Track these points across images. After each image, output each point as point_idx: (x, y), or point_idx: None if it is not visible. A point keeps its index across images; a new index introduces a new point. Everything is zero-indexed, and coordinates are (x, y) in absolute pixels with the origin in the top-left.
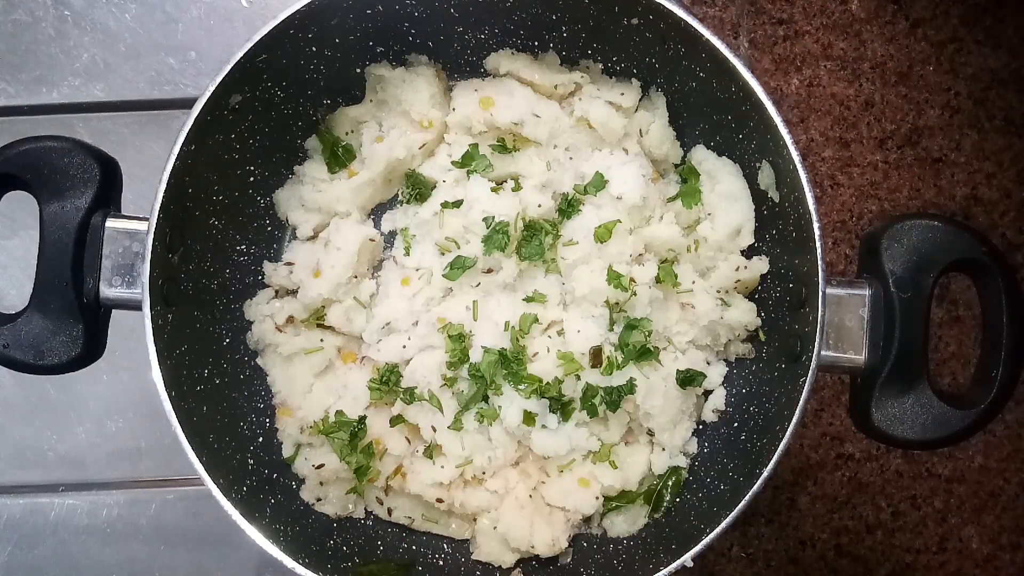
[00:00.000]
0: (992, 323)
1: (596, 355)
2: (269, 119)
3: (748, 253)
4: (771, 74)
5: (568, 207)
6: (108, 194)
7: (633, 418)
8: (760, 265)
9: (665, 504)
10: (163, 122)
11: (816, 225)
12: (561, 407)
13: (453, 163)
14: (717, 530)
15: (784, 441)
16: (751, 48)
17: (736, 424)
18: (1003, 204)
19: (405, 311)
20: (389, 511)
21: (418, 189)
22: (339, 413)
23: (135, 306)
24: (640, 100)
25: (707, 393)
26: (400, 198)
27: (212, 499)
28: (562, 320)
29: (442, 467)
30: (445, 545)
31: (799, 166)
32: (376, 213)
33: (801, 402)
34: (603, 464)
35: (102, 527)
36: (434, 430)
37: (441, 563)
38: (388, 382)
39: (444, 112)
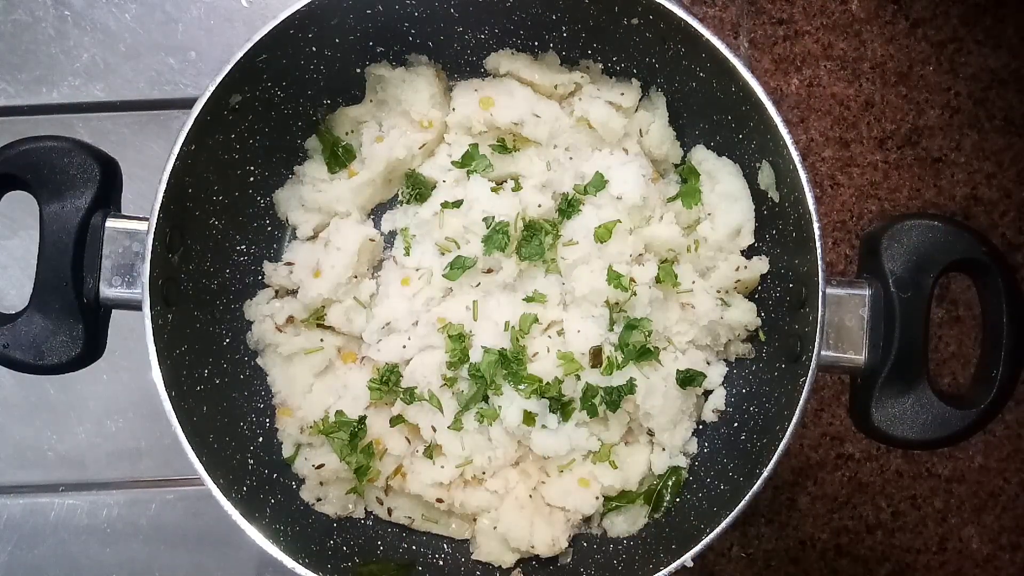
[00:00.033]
0: (992, 323)
1: (596, 355)
2: (269, 119)
3: (748, 253)
4: (771, 74)
5: (568, 207)
6: (108, 194)
7: (633, 418)
8: (760, 265)
9: (665, 504)
10: (163, 122)
11: (816, 225)
12: (561, 407)
13: (453, 163)
14: (717, 530)
15: (784, 441)
16: (751, 48)
17: (736, 424)
18: (1003, 204)
19: (405, 311)
20: (389, 511)
21: (418, 189)
22: (339, 413)
23: (135, 306)
24: (640, 100)
25: (707, 393)
26: (400, 198)
27: (212, 499)
28: (562, 320)
29: (442, 467)
30: (445, 545)
31: (799, 166)
32: (376, 213)
33: (801, 402)
34: (603, 464)
35: (102, 527)
36: (434, 430)
37: (441, 563)
38: (388, 382)
39: (444, 112)
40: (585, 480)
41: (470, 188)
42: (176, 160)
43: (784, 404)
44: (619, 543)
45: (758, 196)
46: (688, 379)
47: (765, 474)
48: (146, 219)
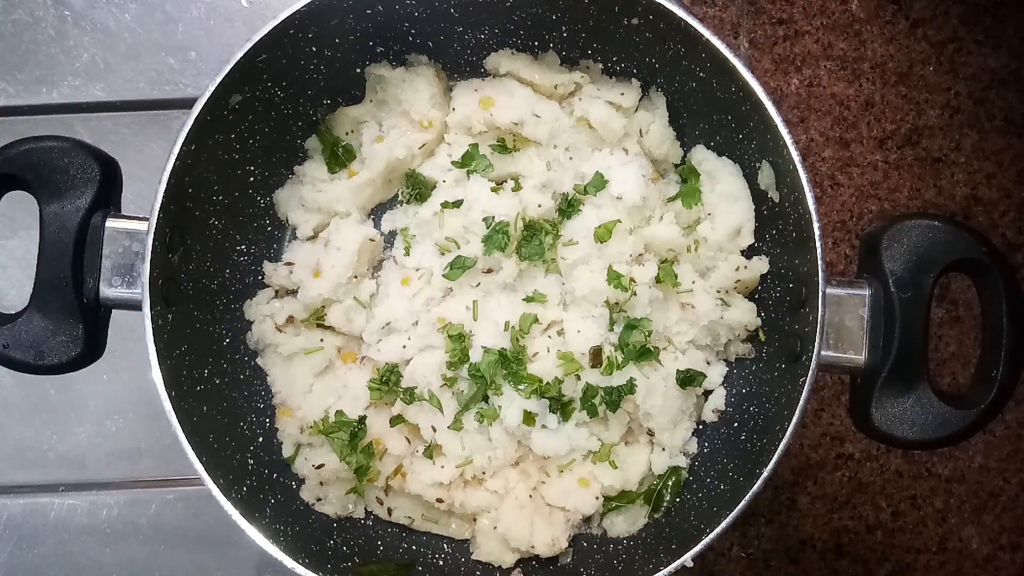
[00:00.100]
0: (992, 323)
1: (596, 355)
2: (269, 119)
3: (748, 253)
4: (771, 74)
5: (568, 207)
6: (108, 194)
7: (633, 418)
8: (760, 265)
9: (665, 504)
10: (163, 122)
11: (816, 225)
12: (561, 407)
13: (453, 163)
14: (717, 530)
15: (784, 441)
16: (751, 48)
17: (736, 424)
18: (1003, 204)
19: (405, 311)
20: (389, 511)
21: (418, 189)
22: (339, 413)
23: (135, 306)
24: (640, 100)
25: (707, 393)
26: (400, 198)
27: (212, 499)
28: (562, 320)
29: (442, 467)
30: (445, 545)
31: (799, 166)
32: (376, 213)
33: (801, 402)
34: (603, 464)
35: (102, 527)
36: (434, 430)
37: (441, 563)
38: (388, 382)
39: (444, 112)
40: (585, 480)
41: (470, 188)
42: (176, 160)
43: (784, 404)
44: (619, 543)
45: (758, 196)
46: (688, 379)
47: (765, 474)
48: (146, 219)
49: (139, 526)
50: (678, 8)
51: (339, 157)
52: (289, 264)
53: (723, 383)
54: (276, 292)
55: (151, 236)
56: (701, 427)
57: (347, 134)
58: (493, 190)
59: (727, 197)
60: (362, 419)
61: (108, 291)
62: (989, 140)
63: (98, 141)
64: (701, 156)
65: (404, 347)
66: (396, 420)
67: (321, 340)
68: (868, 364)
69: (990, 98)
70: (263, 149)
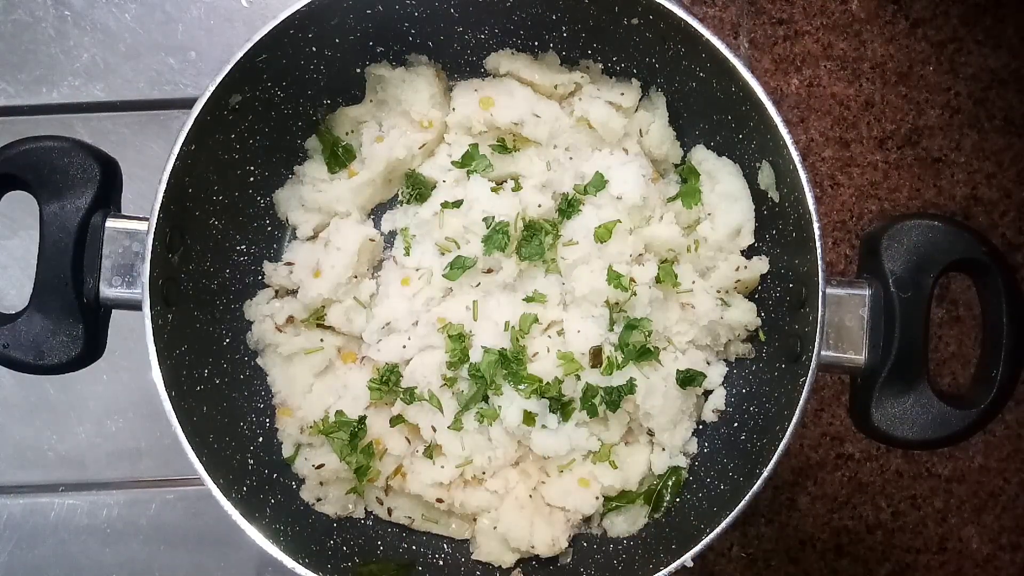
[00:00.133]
0: (992, 323)
1: (596, 355)
2: (269, 119)
3: (748, 253)
4: (771, 74)
5: (568, 207)
6: (108, 194)
7: (633, 418)
8: (760, 265)
9: (665, 504)
10: (163, 122)
11: (816, 225)
12: (561, 407)
13: (453, 163)
14: (717, 530)
15: (784, 441)
16: (751, 48)
17: (736, 424)
18: (1003, 204)
19: (405, 311)
20: (389, 511)
21: (418, 189)
22: (339, 413)
23: (135, 306)
24: (640, 100)
25: (707, 393)
26: (400, 198)
27: (212, 499)
28: (562, 320)
29: (442, 467)
30: (445, 545)
31: (799, 166)
32: (376, 213)
33: (801, 402)
34: (603, 464)
35: (102, 527)
36: (434, 430)
37: (441, 563)
38: (388, 382)
39: (444, 112)
40: (585, 480)
41: (470, 188)
42: (176, 160)
43: (784, 404)
44: (619, 543)
45: (758, 196)
46: (688, 379)
47: (765, 474)
48: (146, 219)
49: (139, 526)
50: (678, 8)
51: (339, 157)
52: (289, 264)
53: (723, 383)
54: (276, 292)
55: (151, 236)
56: (701, 427)
57: (347, 134)
58: (493, 190)
59: (727, 197)
60: (362, 419)
61: (108, 291)
62: (989, 140)
63: (98, 141)
64: (701, 156)
65: (404, 347)
66: (396, 420)
67: (321, 340)
68: (868, 364)
69: (990, 98)
70: (263, 149)
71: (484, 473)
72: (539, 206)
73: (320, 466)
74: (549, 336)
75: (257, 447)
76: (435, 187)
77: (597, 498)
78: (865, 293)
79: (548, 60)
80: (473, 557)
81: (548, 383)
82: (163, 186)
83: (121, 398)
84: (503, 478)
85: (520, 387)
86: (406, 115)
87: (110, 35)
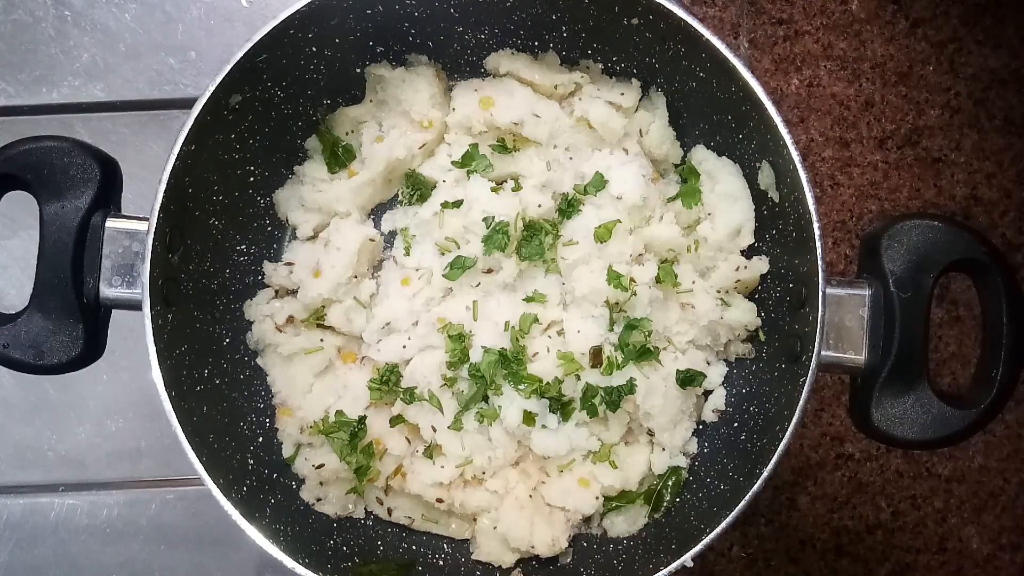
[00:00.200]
0: (992, 323)
1: (596, 355)
2: (269, 119)
3: (748, 253)
4: (771, 74)
5: (568, 207)
6: (108, 194)
7: (633, 418)
8: (760, 265)
9: (665, 504)
10: (163, 122)
11: (816, 225)
12: (561, 407)
13: (453, 163)
14: (717, 530)
15: (784, 441)
16: (751, 48)
17: (736, 424)
18: (1003, 204)
19: (405, 311)
20: (389, 511)
21: (418, 189)
22: (339, 413)
23: (135, 306)
24: (640, 100)
25: (707, 393)
26: (400, 198)
27: (212, 499)
28: (562, 320)
29: (442, 467)
30: (445, 545)
31: (799, 166)
32: (376, 213)
33: (801, 402)
34: (603, 464)
35: (102, 527)
36: (434, 430)
37: (441, 563)
38: (388, 382)
39: (444, 112)
40: (585, 480)
41: (470, 188)
42: (176, 160)
43: (784, 404)
44: (619, 543)
45: (758, 196)
46: (688, 379)
47: (765, 474)
48: (146, 219)
49: (139, 526)
50: (678, 8)
51: (339, 157)
52: (289, 264)
53: (723, 383)
54: (276, 292)
55: (151, 236)
56: (701, 427)
57: (347, 134)
58: (493, 190)
59: (727, 197)
60: (362, 419)
61: (108, 291)
62: (989, 140)
63: (98, 141)
64: (701, 156)
65: (404, 347)
66: (396, 420)
67: (321, 340)
68: (868, 364)
69: (990, 98)
70: (263, 149)
71: (484, 473)
72: (539, 206)
73: (320, 466)
74: (549, 336)
75: (257, 447)
76: (435, 187)
77: (597, 498)
78: (865, 293)
79: (548, 60)
80: (473, 557)
81: (548, 383)
82: (163, 186)
83: (121, 398)
84: (503, 478)
85: (520, 387)
86: (406, 115)
87: (110, 35)
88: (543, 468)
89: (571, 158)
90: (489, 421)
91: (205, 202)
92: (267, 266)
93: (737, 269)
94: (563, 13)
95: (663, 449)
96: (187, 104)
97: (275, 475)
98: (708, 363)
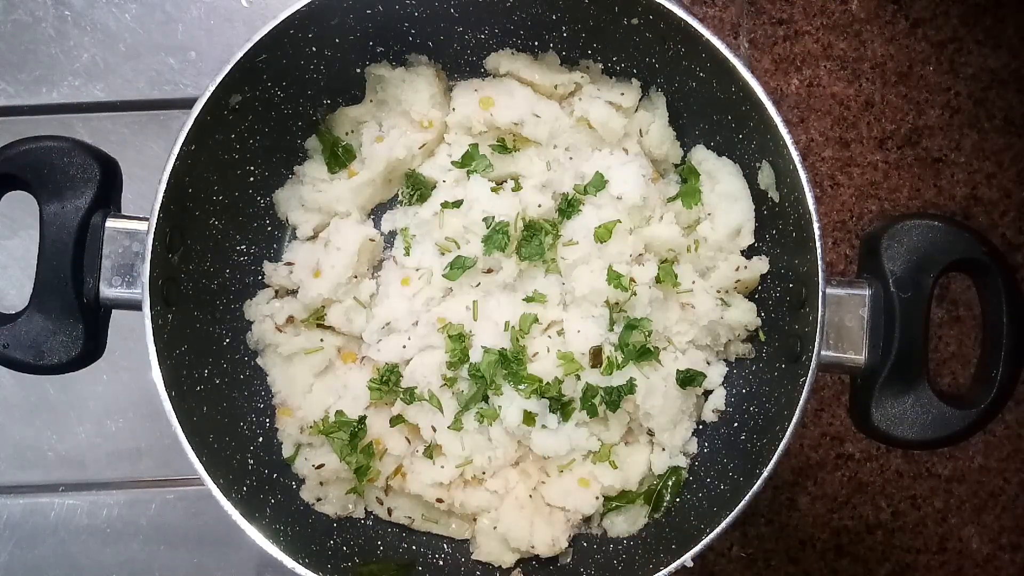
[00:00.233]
0: (992, 323)
1: (596, 355)
2: (269, 119)
3: (748, 253)
4: (771, 74)
5: (568, 207)
6: (108, 194)
7: (633, 418)
8: (760, 265)
9: (665, 504)
10: (163, 122)
11: (816, 225)
12: (561, 407)
13: (453, 163)
14: (717, 530)
15: (784, 441)
16: (751, 48)
17: (736, 424)
18: (1003, 204)
19: (405, 311)
20: (389, 511)
21: (418, 189)
22: (339, 413)
23: (135, 306)
24: (640, 100)
25: (707, 393)
26: (400, 198)
27: (212, 499)
28: (562, 320)
29: (442, 467)
30: (445, 545)
31: (799, 166)
32: (376, 213)
33: (801, 402)
34: (603, 464)
35: (102, 527)
36: (434, 430)
37: (441, 563)
38: (388, 382)
39: (444, 112)
40: (585, 480)
41: (470, 188)
42: (176, 160)
43: (784, 404)
44: (619, 543)
45: (758, 196)
46: (688, 379)
47: (765, 474)
48: (146, 219)
49: (139, 526)
50: (678, 8)
51: (339, 157)
52: (289, 264)
53: (723, 383)
54: (276, 292)
55: (151, 236)
56: (701, 427)
57: (347, 134)
58: (493, 190)
59: (727, 197)
60: (362, 419)
61: (108, 291)
62: (989, 140)
63: (98, 141)
64: (701, 156)
65: (404, 347)
66: (396, 420)
67: (321, 340)
68: (868, 364)
69: (990, 98)
70: (263, 149)
71: (484, 473)
72: (539, 206)
73: (320, 466)
74: (549, 336)
75: (257, 447)
76: (435, 187)
77: (597, 498)
78: (865, 293)
79: (548, 60)
80: (473, 557)
81: (548, 383)
82: (163, 186)
83: (121, 398)
84: (503, 478)
85: (520, 387)
86: (406, 115)
87: (110, 35)
88: (543, 468)
89: (571, 158)
90: (489, 421)
91: (205, 202)
92: (267, 266)
93: (737, 269)
94: (563, 13)
95: (663, 449)
96: (187, 104)
97: (275, 475)
98: (708, 363)
